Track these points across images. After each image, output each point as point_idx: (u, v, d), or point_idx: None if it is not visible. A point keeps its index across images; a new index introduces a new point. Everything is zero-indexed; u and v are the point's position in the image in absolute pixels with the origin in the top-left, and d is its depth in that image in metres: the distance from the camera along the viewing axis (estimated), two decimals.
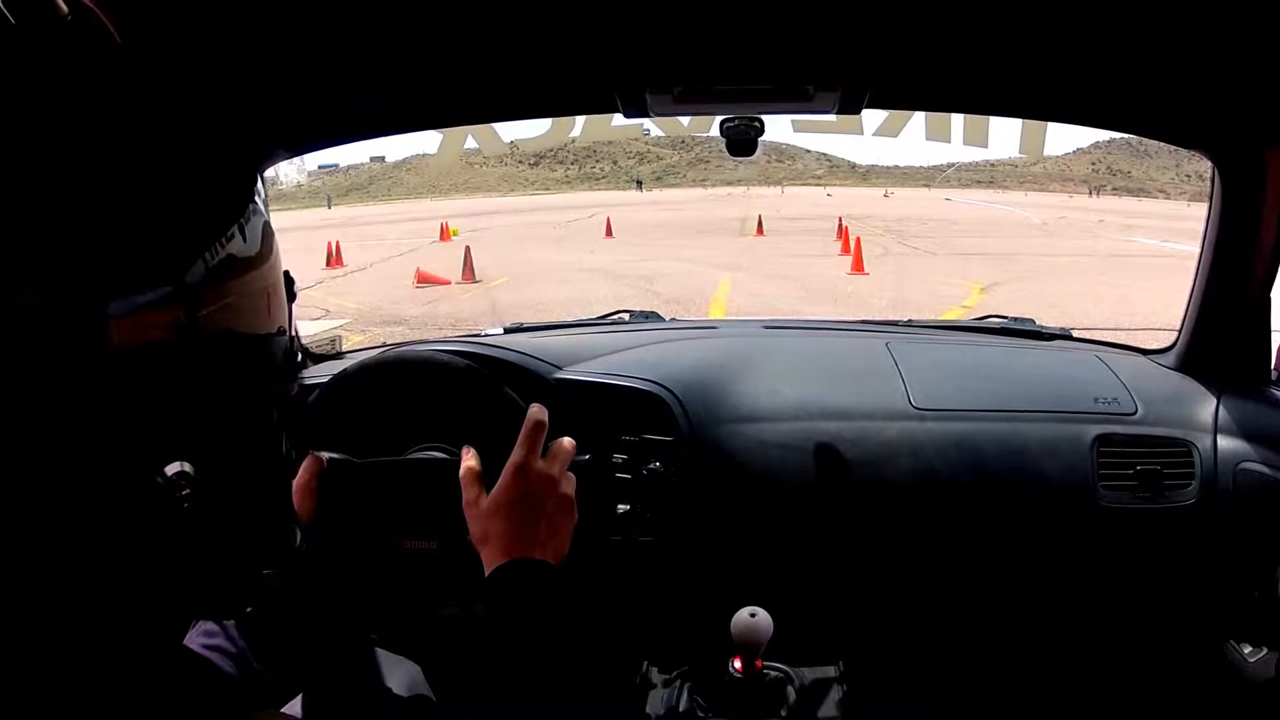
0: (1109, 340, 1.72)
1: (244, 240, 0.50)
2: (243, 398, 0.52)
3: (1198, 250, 1.42)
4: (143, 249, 0.44)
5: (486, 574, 0.77)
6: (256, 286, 0.51)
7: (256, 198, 0.53)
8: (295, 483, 0.84)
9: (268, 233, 0.53)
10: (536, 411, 0.83)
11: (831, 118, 1.20)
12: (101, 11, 0.46)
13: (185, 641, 0.73)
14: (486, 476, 0.84)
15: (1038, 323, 1.74)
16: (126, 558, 0.47)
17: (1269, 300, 1.37)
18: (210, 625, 0.78)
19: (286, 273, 0.59)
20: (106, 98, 0.46)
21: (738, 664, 1.22)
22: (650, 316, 1.91)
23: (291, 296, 0.61)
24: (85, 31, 0.45)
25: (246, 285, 0.50)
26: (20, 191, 0.40)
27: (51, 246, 0.40)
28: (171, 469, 0.50)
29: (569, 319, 1.89)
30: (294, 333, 0.61)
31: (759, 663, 1.21)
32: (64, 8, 0.43)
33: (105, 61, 0.46)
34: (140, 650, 0.47)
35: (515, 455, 0.81)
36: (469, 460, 0.84)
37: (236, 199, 0.51)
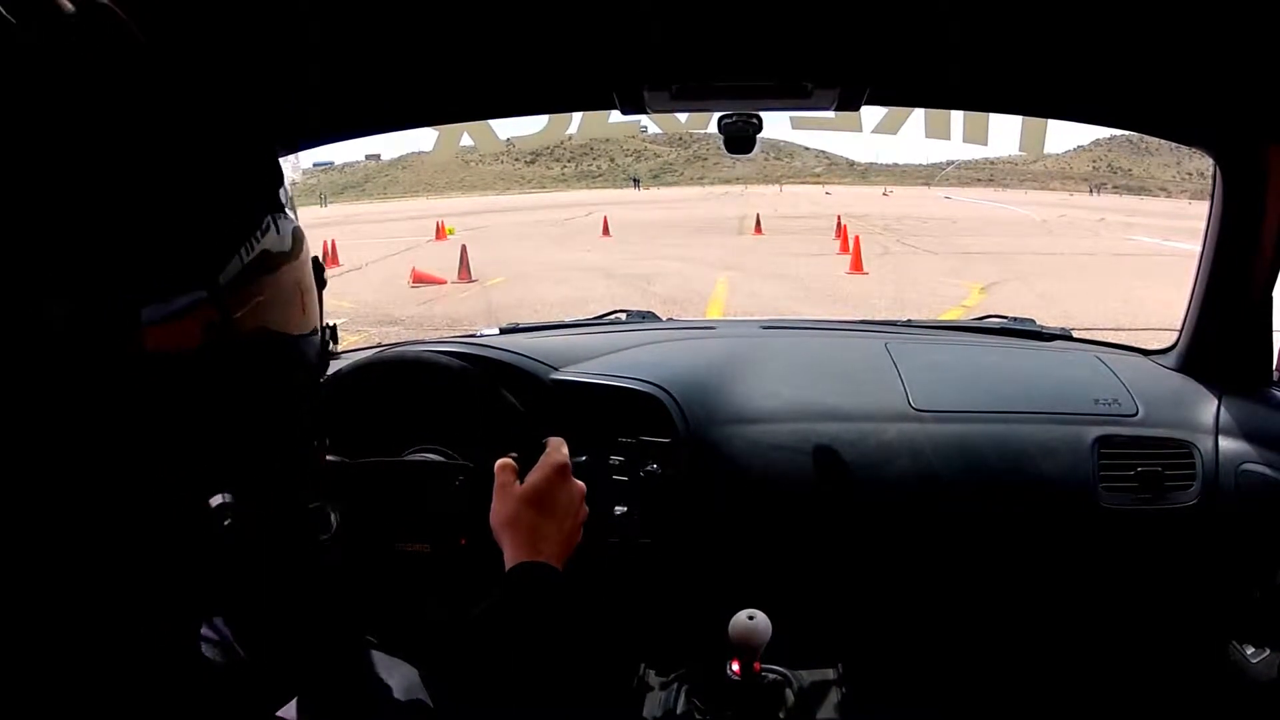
0: (1109, 340, 1.71)
1: (274, 236, 0.49)
2: (277, 399, 0.52)
3: (1198, 249, 1.42)
4: (172, 250, 0.43)
5: (507, 568, 0.81)
6: (288, 283, 0.51)
7: (282, 194, 0.52)
8: None
9: (297, 230, 0.53)
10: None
11: (830, 114, 1.19)
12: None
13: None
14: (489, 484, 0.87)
15: (1038, 323, 1.73)
16: (149, 561, 0.47)
17: (1270, 300, 1.36)
18: (205, 631, 0.77)
19: (315, 259, 0.58)
20: (126, 98, 0.45)
21: (736, 666, 1.21)
22: (647, 316, 1.90)
23: (321, 284, 0.60)
24: (103, 32, 0.44)
25: (278, 282, 0.50)
26: (40, 196, 0.39)
27: (78, 252, 0.39)
28: (215, 500, 0.52)
29: (565, 319, 1.88)
30: (324, 324, 0.60)
31: (757, 665, 1.21)
32: (69, 6, 0.42)
33: (125, 62, 0.46)
34: (152, 653, 0.47)
35: (558, 458, 0.87)
36: (505, 458, 0.89)
37: (263, 195, 0.50)
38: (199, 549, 0.49)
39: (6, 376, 0.38)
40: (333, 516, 0.64)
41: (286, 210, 0.52)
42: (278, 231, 0.50)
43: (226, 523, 0.54)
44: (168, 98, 0.48)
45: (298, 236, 0.53)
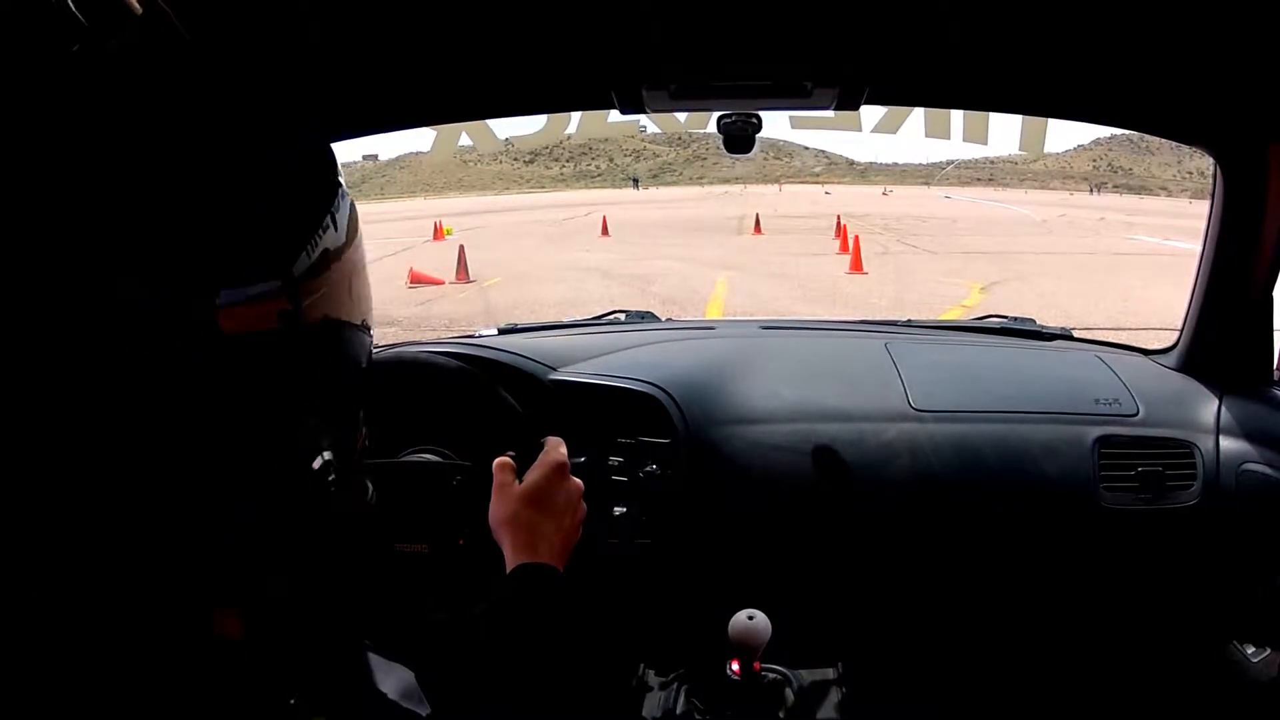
0: (1110, 340, 1.71)
1: (336, 228, 0.50)
2: (335, 387, 0.52)
3: (1198, 248, 1.41)
4: (246, 241, 0.44)
5: (507, 568, 0.80)
6: (343, 274, 0.51)
7: (340, 182, 0.52)
8: None
9: (354, 217, 0.53)
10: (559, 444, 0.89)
11: (830, 114, 1.18)
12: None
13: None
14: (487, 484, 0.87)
15: (1038, 323, 1.73)
16: (195, 546, 0.47)
17: (1271, 299, 1.35)
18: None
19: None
20: (191, 92, 0.47)
21: (735, 666, 1.21)
22: (646, 317, 1.90)
23: None
24: (160, 29, 0.46)
25: (339, 273, 0.50)
26: (119, 186, 0.41)
27: (154, 238, 0.41)
28: (317, 463, 0.52)
29: (564, 319, 1.88)
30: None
31: (757, 665, 1.21)
32: (137, 6, 0.43)
33: (181, 57, 0.48)
34: (160, 645, 0.47)
35: (556, 456, 0.87)
36: (503, 457, 0.89)
37: (324, 183, 0.51)
38: (240, 536, 0.49)
39: (87, 347, 0.40)
40: (369, 485, 0.64)
41: (345, 198, 0.52)
42: (335, 227, 0.50)
43: (330, 478, 0.53)
44: (229, 96, 0.49)
45: (354, 223, 0.53)
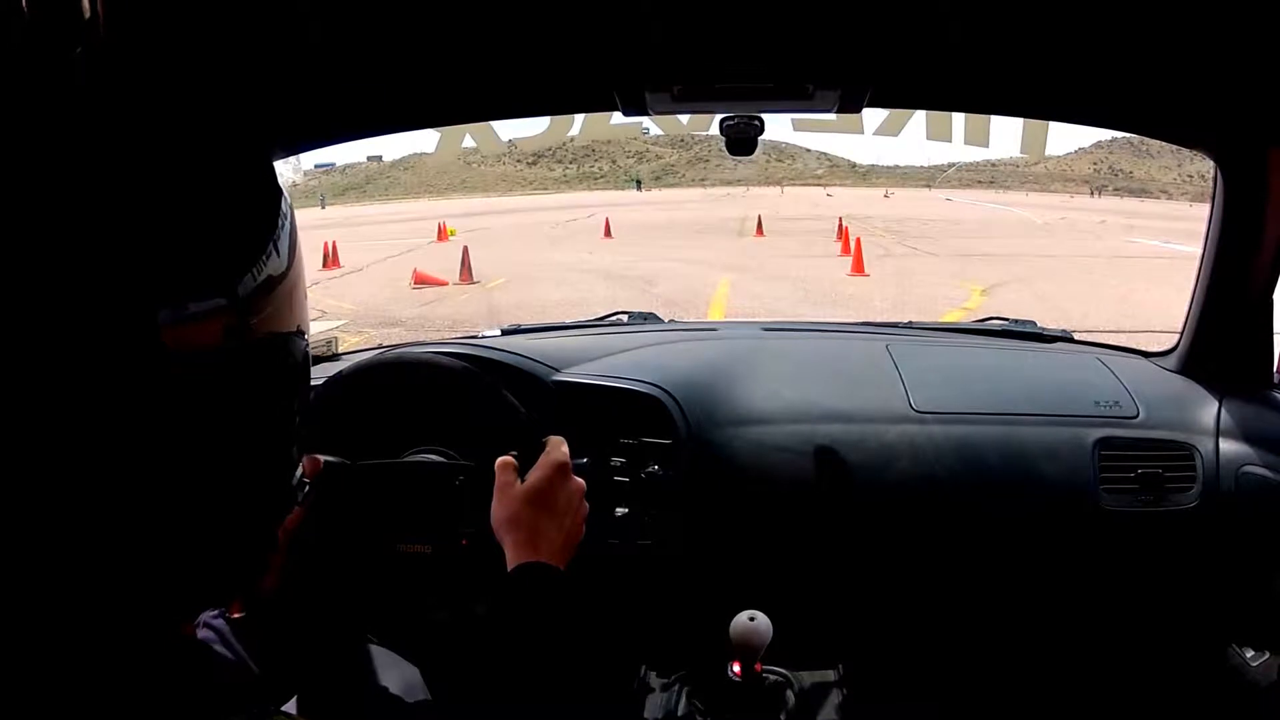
0: (1110, 343, 1.71)
1: (282, 239, 0.50)
2: (273, 397, 0.52)
3: (1198, 251, 1.42)
4: (190, 257, 0.44)
5: (509, 568, 0.80)
6: (290, 284, 0.51)
7: (283, 193, 0.53)
8: None
9: (295, 229, 0.53)
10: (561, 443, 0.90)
11: (831, 116, 1.19)
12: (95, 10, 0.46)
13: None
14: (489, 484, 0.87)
15: (1039, 325, 1.73)
16: (156, 558, 0.47)
17: (1271, 302, 1.36)
18: (207, 632, 0.77)
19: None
20: (142, 104, 0.47)
21: (737, 667, 1.21)
22: (649, 318, 1.90)
23: None
24: (114, 45, 0.45)
25: (284, 284, 0.50)
26: (66, 200, 0.40)
27: (100, 254, 0.40)
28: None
29: (567, 320, 1.88)
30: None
31: (758, 666, 1.21)
32: (87, 10, 0.43)
33: (125, 64, 0.47)
34: (153, 651, 0.47)
35: (557, 456, 0.87)
36: (505, 457, 0.89)
37: (266, 194, 0.51)
38: (204, 547, 0.49)
39: (32, 364, 0.39)
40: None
41: (287, 208, 0.52)
42: (282, 234, 0.50)
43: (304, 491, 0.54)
44: (181, 112, 0.49)
45: (295, 235, 0.53)
